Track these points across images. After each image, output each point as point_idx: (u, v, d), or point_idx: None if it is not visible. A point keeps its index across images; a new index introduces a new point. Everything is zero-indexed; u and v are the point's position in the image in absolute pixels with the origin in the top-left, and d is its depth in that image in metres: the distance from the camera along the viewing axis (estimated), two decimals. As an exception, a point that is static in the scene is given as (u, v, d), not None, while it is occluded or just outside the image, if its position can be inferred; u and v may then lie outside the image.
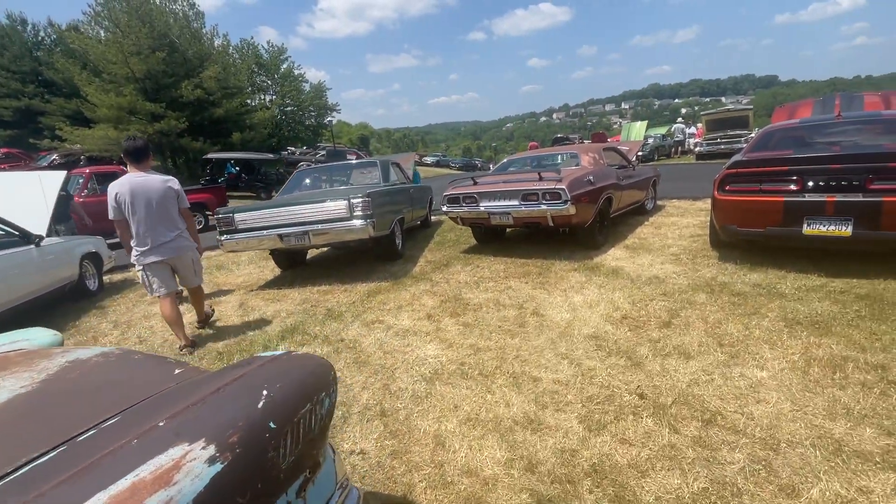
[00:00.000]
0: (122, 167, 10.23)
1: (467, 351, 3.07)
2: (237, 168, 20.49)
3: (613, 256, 5.04)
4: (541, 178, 4.94)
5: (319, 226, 4.72)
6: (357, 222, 4.66)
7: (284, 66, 32.53)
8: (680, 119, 22.93)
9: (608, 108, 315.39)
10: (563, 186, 4.68)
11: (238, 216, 4.88)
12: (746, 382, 2.38)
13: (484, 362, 2.89)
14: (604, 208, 5.45)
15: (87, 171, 9.40)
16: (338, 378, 1.29)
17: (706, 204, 7.95)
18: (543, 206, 4.81)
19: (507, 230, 6.52)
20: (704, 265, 4.41)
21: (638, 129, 19.04)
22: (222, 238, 4.92)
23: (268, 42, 33.00)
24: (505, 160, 6.75)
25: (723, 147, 15.96)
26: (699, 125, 21.57)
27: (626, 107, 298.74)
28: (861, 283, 3.52)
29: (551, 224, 4.90)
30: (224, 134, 21.49)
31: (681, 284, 3.94)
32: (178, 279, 3.75)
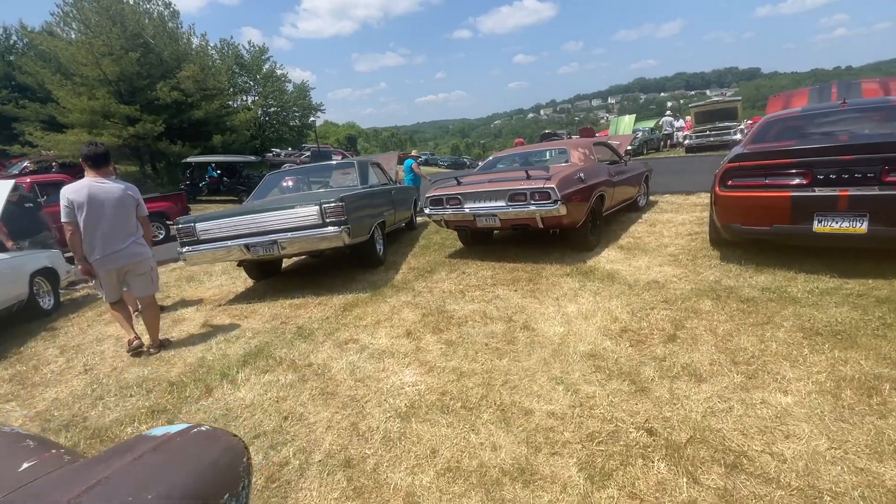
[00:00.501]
0: (66, 176, 9.69)
1: (450, 376, 2.71)
2: (218, 171, 19.93)
3: (608, 258, 4.72)
4: (529, 177, 4.60)
5: (289, 234, 4.32)
6: (330, 229, 4.27)
7: (266, 66, 31.80)
8: (668, 112, 22.80)
9: (595, 103, 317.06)
10: (553, 185, 4.33)
11: (200, 226, 4.46)
12: (771, 411, 2.05)
13: (468, 390, 2.53)
14: (596, 207, 5.12)
15: (28, 180, 8.84)
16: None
17: (700, 199, 7.69)
18: (532, 207, 4.47)
19: (495, 232, 6.18)
20: (706, 267, 4.10)
21: (626, 124, 18.82)
22: (183, 250, 4.50)
23: (249, 42, 32.23)
24: (491, 157, 6.40)
25: (712, 139, 15.79)
26: (687, 118, 21.44)
27: (613, 101, 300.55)
28: (879, 285, 3.23)
29: (541, 226, 4.55)
30: (204, 137, 20.85)
31: (683, 290, 3.62)
32: (132, 288, 3.66)
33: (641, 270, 4.22)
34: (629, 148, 11.12)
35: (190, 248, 4.49)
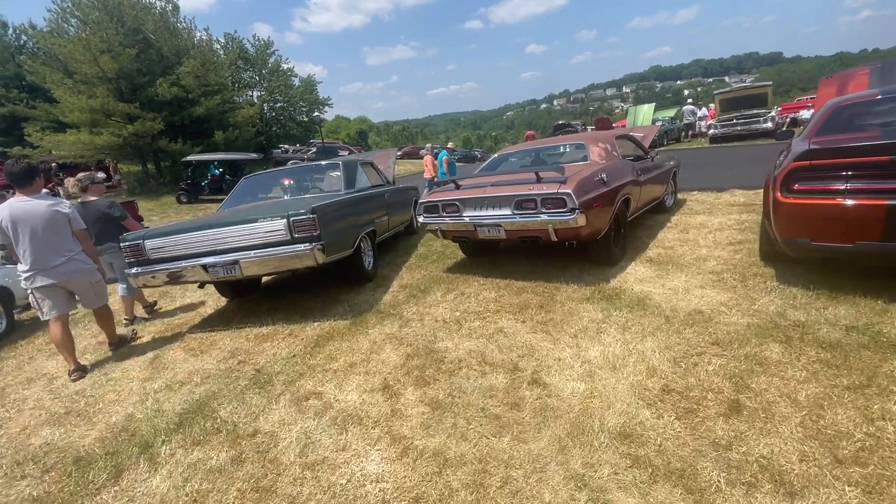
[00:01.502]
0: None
1: (429, 466, 1.98)
2: (220, 170, 19.45)
3: (635, 276, 3.93)
4: (539, 180, 3.82)
5: (252, 253, 3.63)
6: (300, 247, 3.57)
7: (272, 60, 31.24)
8: (689, 100, 21.52)
9: (609, 92, 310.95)
10: (569, 190, 3.55)
11: (150, 243, 3.80)
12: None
13: (452, 495, 1.80)
14: (620, 213, 4.32)
15: None
16: None
17: (735, 197, 6.80)
18: (543, 217, 3.69)
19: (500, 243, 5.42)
20: (761, 290, 3.29)
21: (645, 113, 17.69)
22: (132, 271, 3.85)
23: (253, 36, 31.63)
24: (496, 155, 5.61)
25: (739, 128, 14.65)
26: (711, 106, 20.20)
27: (628, 90, 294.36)
28: None
29: (554, 239, 3.78)
30: (206, 134, 20.35)
31: (737, 326, 2.82)
32: (81, 302, 3.62)
33: (679, 294, 3.43)
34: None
35: (139, 268, 3.83)
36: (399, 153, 26.03)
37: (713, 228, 5.14)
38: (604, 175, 4.02)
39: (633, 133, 6.23)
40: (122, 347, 3.89)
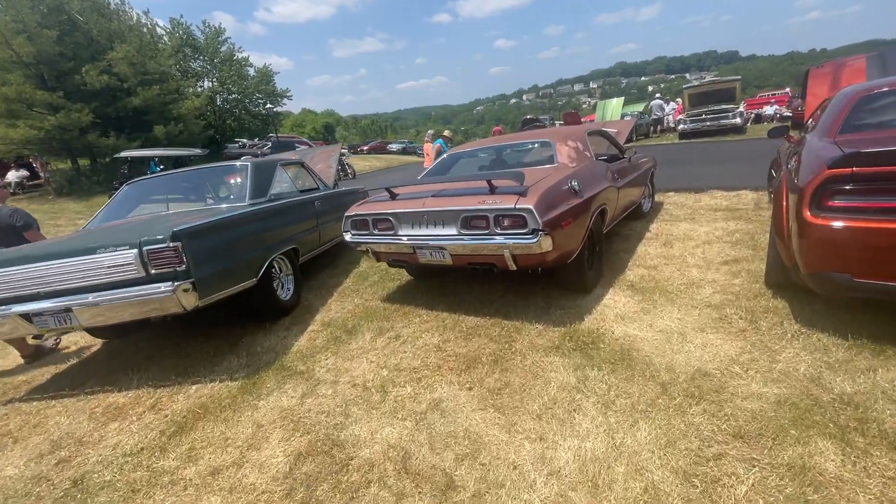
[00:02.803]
0: None
1: None
2: (161, 167, 17.73)
3: (615, 310, 3.09)
4: (493, 190, 2.92)
5: (92, 297, 2.57)
6: (158, 287, 2.54)
7: (224, 48, 29.18)
8: (658, 95, 21.24)
9: (577, 87, 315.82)
10: (530, 205, 2.66)
11: (-57, 283, 2.68)
12: None
13: None
14: (596, 228, 3.49)
15: None
16: None
17: (715, 200, 6.13)
18: (498, 240, 2.80)
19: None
20: (779, 336, 2.50)
21: (614, 108, 17.15)
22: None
23: (203, 22, 29.43)
24: (446, 155, 4.67)
25: (709, 124, 14.28)
26: (678, 101, 19.93)
27: (595, 86, 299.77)
28: None
29: (513, 267, 2.89)
30: (145, 127, 18.52)
31: (762, 402, 2.00)
32: None
33: (673, 341, 2.61)
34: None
35: (-71, 319, 2.70)
36: (347, 150, 24.60)
37: (700, 241, 4.39)
38: (575, 183, 3.16)
39: (606, 129, 5.44)
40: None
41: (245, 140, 28.57)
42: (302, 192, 4.75)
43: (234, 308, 3.78)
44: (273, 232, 3.71)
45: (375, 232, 3.45)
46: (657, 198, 6.49)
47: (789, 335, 2.50)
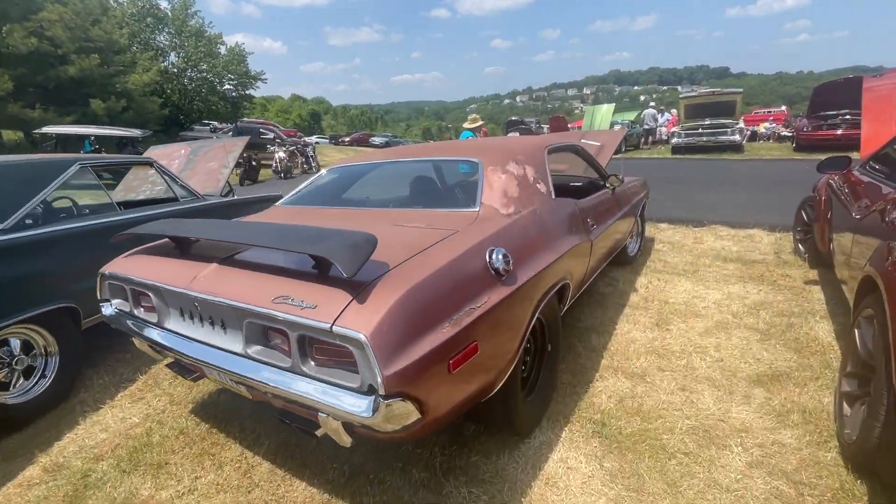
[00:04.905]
0: None
1: None
2: (97, 147, 15.72)
3: (574, 491, 1.56)
4: (293, 273, 1.34)
5: None
6: None
7: (193, 22, 26.97)
8: (651, 104, 19.95)
9: (570, 92, 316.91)
10: (363, 334, 1.09)
11: None
12: None
13: None
14: (547, 319, 1.96)
15: None
16: None
17: (722, 241, 4.62)
18: (305, 388, 1.23)
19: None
20: None
21: (604, 115, 15.74)
22: None
23: (171, -11, 27.12)
24: (325, 171, 2.93)
25: (705, 139, 12.96)
26: (673, 111, 18.63)
27: (588, 92, 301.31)
28: None
29: (347, 443, 1.33)
30: (82, 101, 16.45)
31: None
32: None
33: None
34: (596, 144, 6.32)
35: None
36: (317, 140, 22.51)
37: (710, 321, 2.91)
38: (499, 256, 1.60)
39: (584, 142, 3.92)
40: None
41: (215, 123, 26.45)
42: (130, 205, 3.12)
43: None
44: (22, 282, 2.09)
45: (137, 312, 1.86)
46: (648, 230, 5.03)
47: None
